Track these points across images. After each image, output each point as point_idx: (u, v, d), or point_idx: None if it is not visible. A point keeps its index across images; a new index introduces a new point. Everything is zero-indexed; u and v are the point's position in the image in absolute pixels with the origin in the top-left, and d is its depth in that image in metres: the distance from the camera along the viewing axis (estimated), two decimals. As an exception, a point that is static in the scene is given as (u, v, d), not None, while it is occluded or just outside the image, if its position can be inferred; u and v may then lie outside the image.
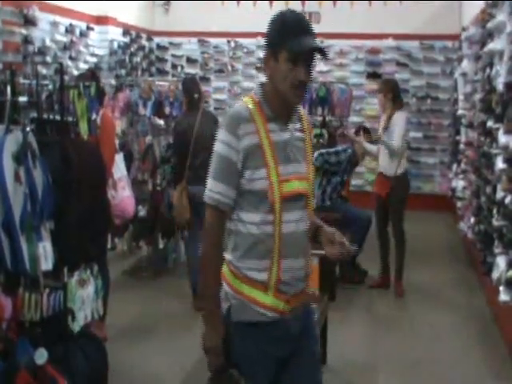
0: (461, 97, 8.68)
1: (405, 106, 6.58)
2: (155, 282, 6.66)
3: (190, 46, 11.55)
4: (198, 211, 5.85)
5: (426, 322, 5.69)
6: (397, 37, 10.82)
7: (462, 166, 8.10)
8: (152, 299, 6.10)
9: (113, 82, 9.13)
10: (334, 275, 6.06)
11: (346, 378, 4.59)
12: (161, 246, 6.81)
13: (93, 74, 5.66)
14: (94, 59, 9.32)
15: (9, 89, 3.26)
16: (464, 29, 8.98)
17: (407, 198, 6.35)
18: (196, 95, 5.91)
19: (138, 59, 10.69)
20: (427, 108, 10.86)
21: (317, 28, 9.32)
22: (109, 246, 6.92)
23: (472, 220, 6.79)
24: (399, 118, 6.16)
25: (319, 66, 11.04)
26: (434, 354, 5.00)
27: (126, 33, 10.28)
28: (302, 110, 2.53)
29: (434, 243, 8.51)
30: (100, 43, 9.57)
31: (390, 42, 10.88)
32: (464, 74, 8.39)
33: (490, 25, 6.03)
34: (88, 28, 9.20)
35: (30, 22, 7.64)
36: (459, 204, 8.24)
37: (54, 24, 8.33)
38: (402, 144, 6.19)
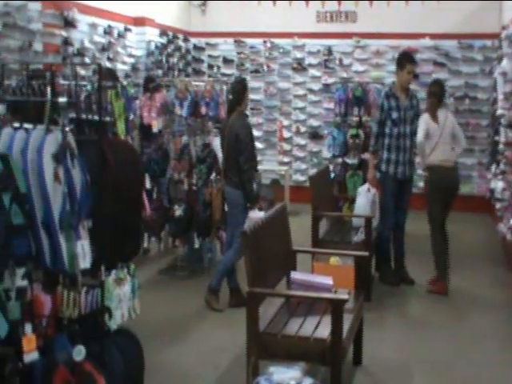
0: (500, 96, 8.54)
1: (442, 106, 6.52)
2: (191, 281, 6.70)
3: (227, 47, 11.58)
4: (228, 212, 6.03)
5: (461, 323, 5.62)
6: (434, 36, 10.68)
7: (501, 166, 7.97)
8: (187, 298, 6.14)
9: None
10: (369, 276, 6.03)
11: (380, 379, 4.56)
12: (196, 245, 6.85)
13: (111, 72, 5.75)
14: (132, 60, 9.42)
15: (49, 89, 3.32)
16: (504, 27, 8.84)
17: (433, 199, 6.32)
18: (230, 97, 6.01)
19: (174, 60, 10.76)
20: (465, 108, 10.69)
21: (353, 28, 9.25)
22: (145, 245, 7.02)
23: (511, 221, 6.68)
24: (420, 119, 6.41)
25: (355, 65, 10.99)
26: (469, 356, 4.93)
27: (163, 34, 10.36)
28: None
29: (472, 245, 8.39)
30: (137, 44, 9.66)
31: (428, 42, 10.75)
32: (504, 74, 8.25)
33: (530, 23, 5.92)
34: (126, 29, 9.29)
35: (69, 23, 7.76)
36: (498, 205, 8.11)
37: (93, 25, 8.44)
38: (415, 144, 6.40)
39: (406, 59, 6.53)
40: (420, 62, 10.71)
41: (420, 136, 6.29)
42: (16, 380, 2.97)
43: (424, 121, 6.34)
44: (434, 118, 6.31)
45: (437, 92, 6.38)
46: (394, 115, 6.44)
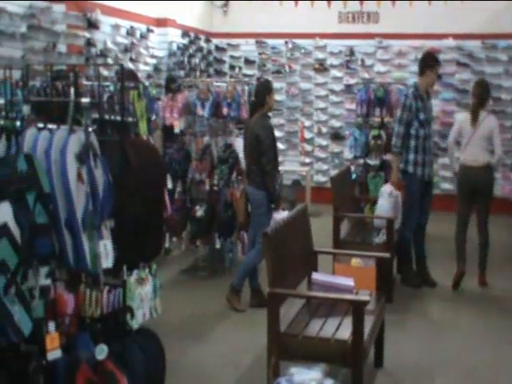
0: (525, 97, 8.46)
1: (484, 107, 6.47)
2: (212, 281, 6.72)
3: (248, 47, 11.58)
4: (251, 212, 6.06)
5: (483, 326, 5.57)
6: (457, 36, 10.60)
7: (525, 168, 7.90)
8: (208, 298, 6.15)
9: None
10: (391, 277, 6.00)
11: (401, 381, 4.53)
12: (217, 245, 6.86)
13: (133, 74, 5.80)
14: (154, 61, 9.47)
15: (72, 90, 3.35)
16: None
17: (458, 196, 6.57)
18: (253, 98, 6.06)
19: (196, 60, 10.80)
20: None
21: (375, 28, 9.21)
22: (167, 245, 7.05)
23: (535, 223, 6.63)
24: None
25: (377, 66, 10.94)
26: (491, 358, 4.89)
27: (184, 34, 10.40)
28: None
29: (494, 246, 8.27)
30: (159, 45, 9.71)
31: (450, 42, 10.66)
32: (528, 74, 8.18)
33: (556, 23, 5.85)
34: (148, 30, 9.34)
35: (92, 25, 7.82)
36: (522, 207, 8.03)
37: (116, 27, 8.50)
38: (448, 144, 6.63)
39: (434, 60, 6.53)
40: (443, 63, 10.61)
41: (450, 136, 6.54)
42: (40, 377, 3.01)
43: (457, 121, 6.48)
44: (472, 118, 6.29)
45: (479, 94, 6.37)
46: (422, 116, 6.38)
